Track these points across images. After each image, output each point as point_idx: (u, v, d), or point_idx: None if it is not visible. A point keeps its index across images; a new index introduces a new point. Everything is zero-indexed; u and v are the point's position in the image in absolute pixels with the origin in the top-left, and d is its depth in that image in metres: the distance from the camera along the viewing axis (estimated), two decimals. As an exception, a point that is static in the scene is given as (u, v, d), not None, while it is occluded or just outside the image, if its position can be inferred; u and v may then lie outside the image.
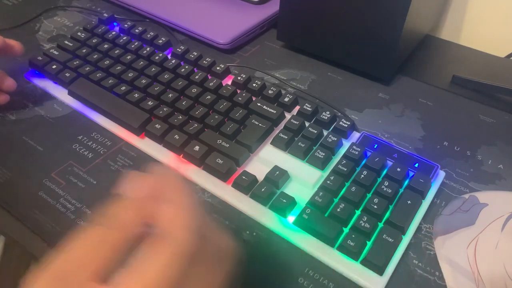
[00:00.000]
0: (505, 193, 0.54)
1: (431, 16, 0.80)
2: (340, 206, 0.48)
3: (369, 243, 0.46)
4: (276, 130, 0.58)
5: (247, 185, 0.51)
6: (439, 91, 0.70)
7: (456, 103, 0.68)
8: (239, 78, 0.64)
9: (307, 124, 0.58)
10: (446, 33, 0.89)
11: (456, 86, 0.71)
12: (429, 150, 0.60)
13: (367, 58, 0.69)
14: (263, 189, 0.50)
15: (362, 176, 0.51)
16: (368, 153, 0.55)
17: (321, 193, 0.49)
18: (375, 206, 0.48)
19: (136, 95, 0.61)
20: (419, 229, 0.50)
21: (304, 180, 0.52)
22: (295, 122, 0.57)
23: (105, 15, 0.77)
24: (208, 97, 0.60)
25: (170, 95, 0.61)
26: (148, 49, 0.69)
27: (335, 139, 0.55)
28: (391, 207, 0.49)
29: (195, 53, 0.68)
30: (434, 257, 0.48)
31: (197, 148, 0.54)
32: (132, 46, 0.70)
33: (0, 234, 0.68)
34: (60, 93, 0.65)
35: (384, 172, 0.53)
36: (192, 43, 0.79)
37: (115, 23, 0.78)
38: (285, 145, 0.55)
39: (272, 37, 0.80)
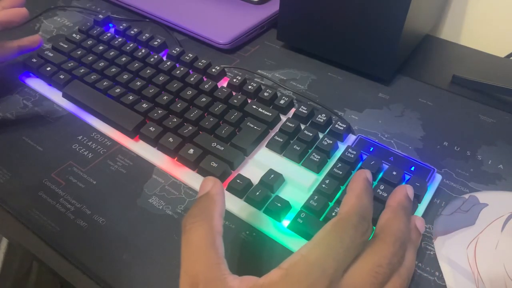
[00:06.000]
0: (505, 193, 0.53)
1: (431, 16, 0.79)
2: (336, 210, 0.48)
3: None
4: (272, 133, 0.58)
5: (241, 188, 0.50)
6: (439, 91, 0.69)
7: (456, 103, 0.67)
8: (234, 80, 0.63)
9: (302, 126, 0.58)
10: (446, 33, 0.88)
11: (456, 86, 0.70)
12: (429, 150, 0.59)
13: (367, 58, 0.69)
14: (257, 193, 0.50)
15: (358, 179, 0.50)
16: (364, 156, 0.54)
17: (316, 197, 0.49)
18: (371, 210, 0.48)
19: (131, 98, 0.61)
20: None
21: (299, 183, 0.52)
22: (291, 124, 0.56)
23: (100, 16, 0.77)
24: (203, 99, 0.60)
25: (165, 97, 0.61)
26: (143, 50, 0.69)
27: (331, 142, 0.55)
28: (386, 211, 0.49)
29: (191, 55, 0.68)
30: (434, 257, 0.47)
31: (191, 151, 0.54)
32: (127, 47, 0.69)
33: (0, 235, 0.69)
34: (55, 95, 0.65)
35: (380, 175, 0.52)
36: (192, 43, 0.79)
37: (110, 24, 0.78)
38: (280, 148, 0.55)
39: (272, 37, 0.80)
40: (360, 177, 0.39)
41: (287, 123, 0.57)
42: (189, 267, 0.34)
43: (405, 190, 0.41)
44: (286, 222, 0.48)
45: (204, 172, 0.53)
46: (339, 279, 0.33)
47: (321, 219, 0.48)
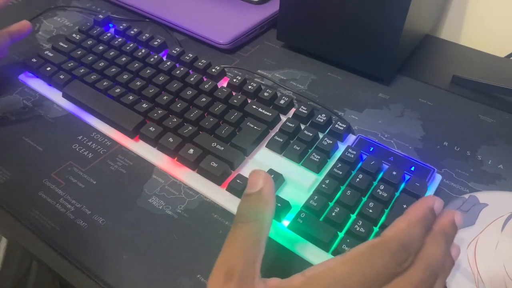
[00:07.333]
0: (505, 193, 0.53)
1: (431, 16, 0.79)
2: (335, 210, 0.48)
3: (364, 248, 0.46)
4: (272, 133, 0.58)
5: (241, 188, 0.50)
6: (439, 91, 0.69)
7: (456, 103, 0.67)
8: (234, 80, 0.63)
9: (302, 126, 0.58)
10: (446, 33, 0.88)
11: (456, 86, 0.70)
12: (429, 150, 0.59)
13: (367, 58, 0.69)
14: (257, 193, 0.50)
15: (358, 179, 0.50)
16: (364, 156, 0.54)
17: (316, 197, 0.49)
18: (371, 210, 0.47)
19: (131, 98, 0.61)
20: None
21: (299, 183, 0.52)
22: (291, 124, 0.56)
23: (100, 16, 0.77)
24: (203, 99, 0.60)
25: (165, 97, 0.61)
26: (143, 50, 0.69)
27: (331, 142, 0.54)
28: (386, 211, 0.49)
29: (191, 55, 0.68)
30: (433, 258, 0.47)
31: (191, 151, 0.54)
32: (127, 47, 0.69)
33: (0, 234, 0.69)
34: (55, 96, 0.65)
35: (380, 175, 0.52)
36: (192, 43, 0.79)
37: (110, 24, 0.78)
38: (280, 148, 0.55)
39: (272, 37, 0.80)
40: (423, 204, 0.36)
41: (287, 123, 0.57)
42: (229, 258, 0.34)
43: (452, 216, 0.37)
44: (286, 222, 0.48)
45: (204, 172, 0.53)
46: None
47: (321, 219, 0.48)
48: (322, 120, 0.57)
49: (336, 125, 0.57)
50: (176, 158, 0.55)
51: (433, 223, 0.36)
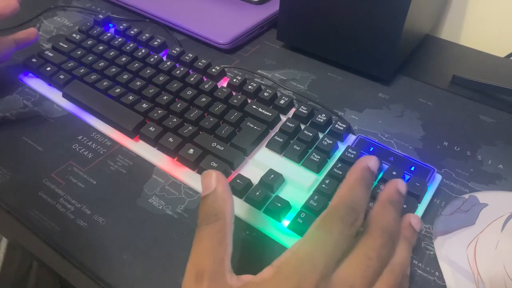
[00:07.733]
0: (505, 193, 0.53)
1: (431, 16, 0.79)
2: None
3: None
4: (272, 133, 0.58)
5: (241, 188, 0.50)
6: (439, 91, 0.69)
7: (456, 103, 0.67)
8: (234, 80, 0.63)
9: (302, 126, 0.58)
10: (446, 33, 0.88)
11: (456, 86, 0.70)
12: (429, 150, 0.59)
13: (367, 58, 0.69)
14: (257, 193, 0.50)
15: (358, 179, 0.50)
16: (364, 156, 0.54)
17: (316, 197, 0.49)
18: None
19: (131, 98, 0.61)
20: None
21: (299, 183, 0.52)
22: (291, 124, 0.56)
23: (100, 16, 0.77)
24: (203, 99, 0.60)
25: (165, 97, 0.61)
26: (143, 50, 0.69)
27: (331, 142, 0.54)
28: (386, 211, 0.49)
29: (191, 55, 0.68)
30: (434, 257, 0.47)
31: (191, 151, 0.54)
32: (127, 47, 0.69)
33: (0, 234, 0.69)
34: (55, 95, 0.65)
35: (380, 175, 0.52)
36: (192, 43, 0.79)
37: (110, 24, 0.78)
38: (280, 148, 0.55)
39: (272, 37, 0.80)
40: (359, 166, 0.38)
41: (287, 123, 0.57)
42: (198, 260, 0.35)
43: (396, 185, 0.40)
44: (286, 222, 0.48)
45: (204, 173, 0.53)
46: (330, 273, 0.33)
47: (321, 219, 0.48)
48: (322, 120, 0.57)
49: (336, 125, 0.57)
50: (176, 158, 0.55)
51: (372, 181, 0.38)
